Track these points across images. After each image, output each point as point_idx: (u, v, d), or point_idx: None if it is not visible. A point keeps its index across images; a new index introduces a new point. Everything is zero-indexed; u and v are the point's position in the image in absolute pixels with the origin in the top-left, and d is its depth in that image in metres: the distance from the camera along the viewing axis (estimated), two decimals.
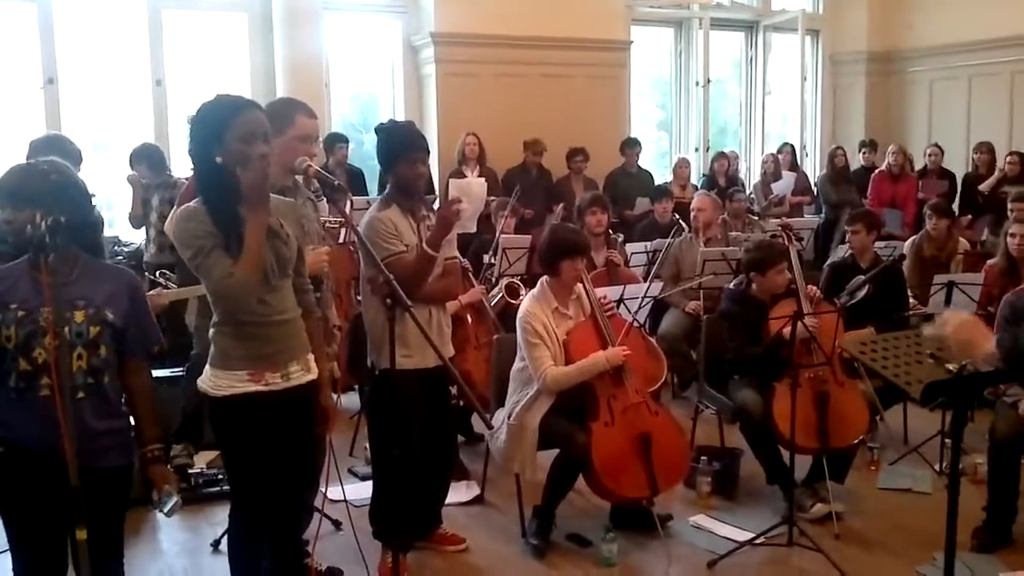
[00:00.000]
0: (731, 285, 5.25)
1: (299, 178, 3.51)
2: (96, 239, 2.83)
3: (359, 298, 4.44)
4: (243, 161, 2.76)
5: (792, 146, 10.41)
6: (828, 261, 6.70)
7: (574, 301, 4.28)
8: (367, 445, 4.57)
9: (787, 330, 4.23)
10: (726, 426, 5.12)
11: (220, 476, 4.69)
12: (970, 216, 8.72)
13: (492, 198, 6.91)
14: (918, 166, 9.70)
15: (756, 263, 4.68)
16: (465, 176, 8.09)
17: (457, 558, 4.13)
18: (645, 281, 5.49)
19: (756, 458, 4.58)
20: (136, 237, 7.24)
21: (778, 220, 6.92)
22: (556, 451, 4.11)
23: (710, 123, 10.92)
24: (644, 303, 4.99)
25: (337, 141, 8.13)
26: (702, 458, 4.77)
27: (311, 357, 3.03)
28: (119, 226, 7.36)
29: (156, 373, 5.25)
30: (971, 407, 5.28)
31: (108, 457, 2.73)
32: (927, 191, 8.88)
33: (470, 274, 5.44)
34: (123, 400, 2.82)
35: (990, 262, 5.64)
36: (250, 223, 2.76)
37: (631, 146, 9.14)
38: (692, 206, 6.75)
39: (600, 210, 5.97)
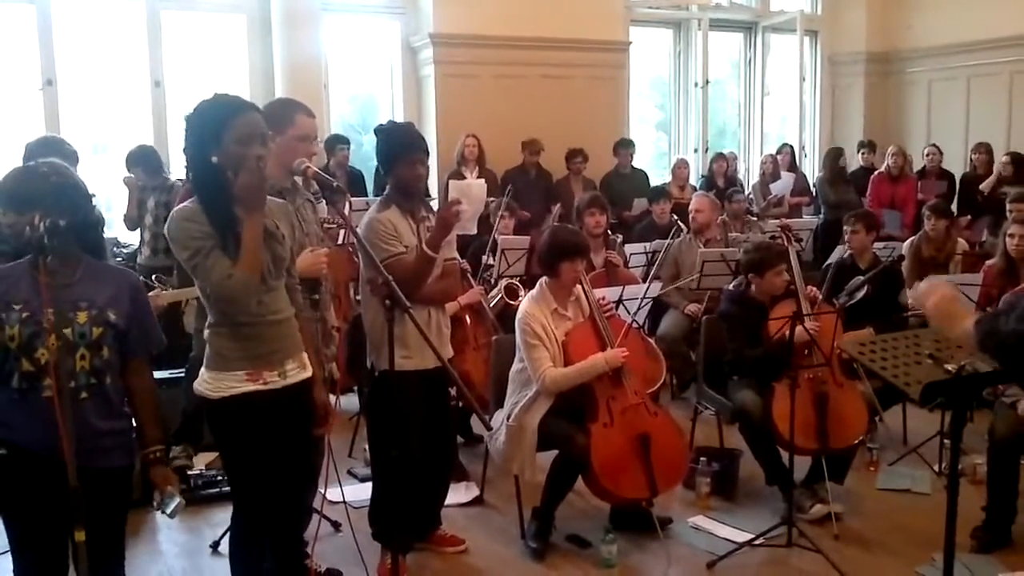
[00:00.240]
0: (731, 286, 5.25)
1: (298, 179, 3.51)
2: (98, 239, 2.83)
3: (358, 299, 4.44)
4: (238, 163, 2.76)
5: (791, 147, 10.41)
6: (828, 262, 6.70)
7: (573, 302, 4.27)
8: (366, 446, 4.58)
9: (787, 331, 4.23)
10: (725, 427, 5.13)
11: (219, 478, 4.69)
12: (969, 217, 8.72)
13: (491, 199, 6.91)
14: (917, 167, 9.70)
15: (754, 264, 4.68)
16: (464, 177, 8.09)
17: (456, 559, 4.13)
18: (644, 282, 5.49)
19: (755, 459, 4.59)
20: (134, 239, 7.24)
21: (777, 221, 6.92)
22: (555, 452, 4.11)
23: (709, 124, 10.92)
24: (643, 304, 4.99)
25: (338, 143, 8.13)
26: (701, 459, 4.77)
27: (306, 355, 3.03)
28: (117, 228, 7.36)
29: (155, 375, 5.26)
30: (970, 408, 5.27)
31: (109, 458, 2.73)
32: (926, 192, 8.88)
33: (469, 275, 5.44)
34: (124, 401, 2.82)
35: (989, 263, 5.63)
36: (248, 224, 2.76)
37: (625, 147, 9.12)
38: (690, 207, 6.75)
39: (599, 211, 5.98)
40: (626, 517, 4.31)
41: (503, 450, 4.16)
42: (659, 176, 10.05)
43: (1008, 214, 6.34)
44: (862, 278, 5.37)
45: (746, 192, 9.35)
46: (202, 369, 2.94)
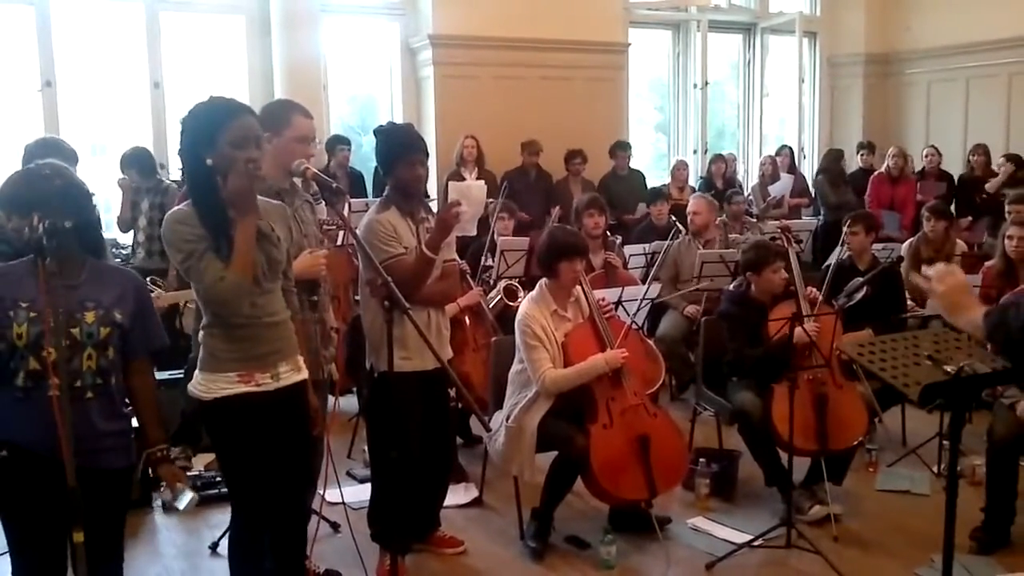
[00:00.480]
0: (731, 287, 5.25)
1: (297, 180, 3.51)
2: (98, 239, 2.84)
3: (358, 300, 4.44)
4: (232, 166, 2.76)
5: (790, 148, 10.42)
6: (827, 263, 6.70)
7: (572, 303, 4.28)
8: (365, 447, 4.58)
9: (786, 332, 4.24)
10: (724, 428, 5.13)
11: (218, 479, 4.68)
12: (970, 218, 8.72)
13: (491, 200, 6.90)
14: (916, 168, 9.71)
15: (751, 263, 4.68)
16: (464, 178, 8.09)
17: (455, 560, 4.13)
18: (643, 283, 5.49)
19: (754, 460, 4.59)
20: (129, 241, 7.22)
21: (776, 222, 6.92)
22: (554, 453, 4.11)
23: (708, 125, 10.93)
24: (642, 305, 4.99)
25: (338, 143, 8.13)
26: (700, 460, 4.77)
27: (300, 358, 3.03)
28: (115, 229, 7.36)
29: (156, 375, 5.26)
30: (969, 409, 5.34)
31: (109, 458, 2.74)
32: (925, 193, 8.88)
33: (468, 276, 5.44)
34: (125, 402, 2.83)
35: (988, 264, 5.63)
36: (240, 227, 2.77)
37: (622, 149, 9.12)
38: (688, 209, 6.75)
39: (597, 212, 5.98)
40: (625, 518, 4.31)
41: (502, 451, 4.16)
42: (658, 177, 10.06)
43: (1007, 215, 6.34)
44: (861, 279, 5.37)
45: (745, 193, 9.35)
46: (196, 370, 2.94)
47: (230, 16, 8.54)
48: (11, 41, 7.78)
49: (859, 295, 5.19)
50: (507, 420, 4.15)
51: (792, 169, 10.11)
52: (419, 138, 3.92)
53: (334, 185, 3.10)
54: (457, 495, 4.68)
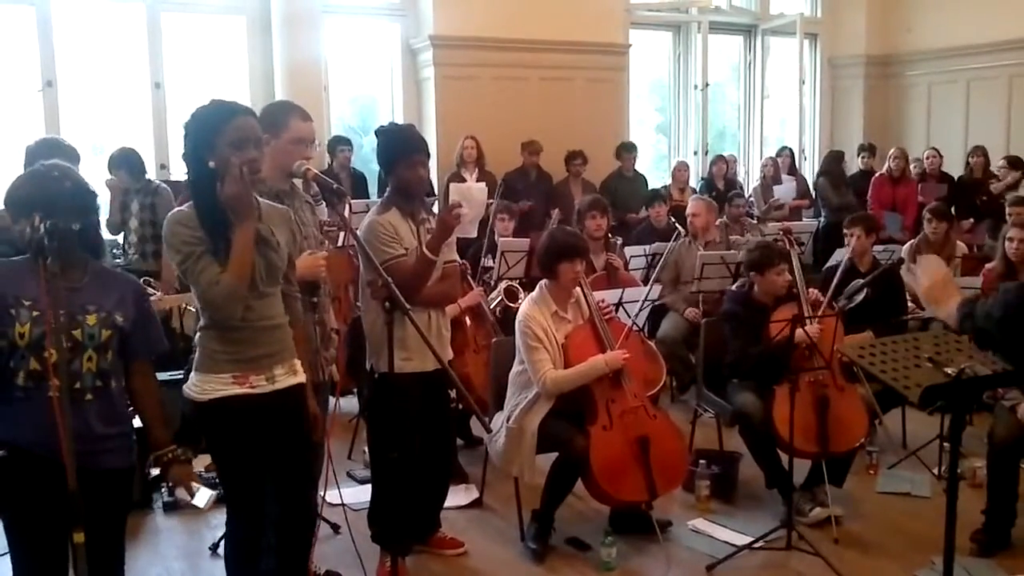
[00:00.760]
0: (733, 287, 5.25)
1: (297, 181, 3.51)
2: (97, 239, 2.84)
3: (359, 303, 4.44)
4: (225, 170, 2.76)
5: (791, 150, 10.42)
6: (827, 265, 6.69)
7: (573, 305, 4.27)
8: (365, 448, 4.58)
9: (787, 332, 4.24)
10: (725, 430, 5.13)
11: (219, 480, 4.68)
12: (971, 220, 8.72)
13: (491, 201, 6.91)
14: (916, 170, 9.71)
15: (755, 263, 4.69)
16: (464, 179, 8.10)
17: (456, 562, 4.13)
18: (644, 284, 5.49)
19: (755, 462, 4.58)
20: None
21: (778, 224, 6.92)
22: (555, 455, 4.11)
23: (709, 126, 10.94)
24: (643, 307, 4.99)
25: (340, 144, 8.13)
26: (701, 462, 4.76)
27: (298, 362, 3.03)
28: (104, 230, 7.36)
29: (158, 376, 5.26)
30: (969, 411, 5.35)
31: (109, 459, 2.74)
32: (926, 195, 8.88)
33: (468, 276, 5.44)
34: (127, 404, 2.83)
35: (988, 266, 5.63)
36: (238, 231, 2.77)
37: (628, 150, 9.13)
38: (687, 211, 6.75)
39: (599, 214, 5.97)
40: (626, 520, 4.31)
41: (503, 452, 4.16)
42: (659, 179, 10.06)
43: (1008, 217, 6.35)
44: (861, 281, 5.37)
45: (747, 195, 9.35)
46: (192, 371, 2.95)
47: (231, 17, 8.54)
48: (12, 41, 7.78)
49: (859, 297, 5.19)
50: (507, 421, 4.15)
51: (793, 170, 10.12)
52: (420, 139, 3.92)
53: (335, 186, 3.10)
54: (457, 496, 4.67)
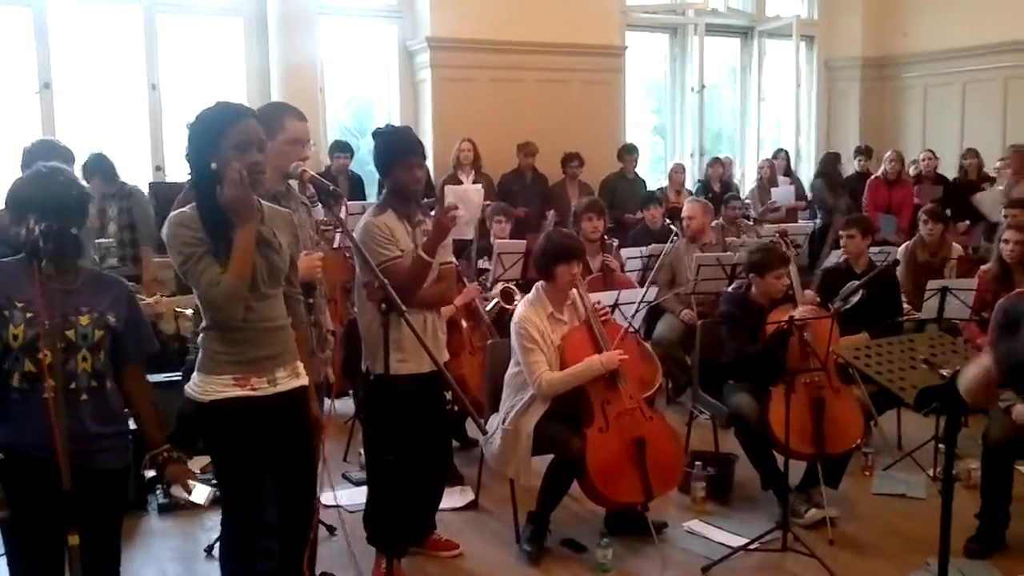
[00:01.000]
0: (730, 288, 5.26)
1: (293, 183, 3.51)
2: (83, 242, 2.85)
3: (355, 306, 4.43)
4: (225, 174, 2.76)
5: (787, 152, 10.44)
6: (821, 266, 6.72)
7: (569, 306, 4.28)
8: (361, 450, 4.58)
9: (783, 326, 4.24)
10: (720, 431, 5.14)
11: (215, 482, 4.67)
12: (967, 222, 8.73)
13: (488, 203, 6.91)
14: (912, 172, 9.73)
15: (756, 265, 4.69)
16: (461, 181, 8.10)
17: (451, 564, 4.13)
18: (640, 286, 5.49)
19: (751, 463, 4.59)
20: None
21: (774, 226, 6.93)
22: (551, 456, 4.11)
23: (705, 128, 10.95)
24: (639, 309, 4.99)
25: (338, 151, 8.13)
26: (696, 463, 4.77)
27: (300, 364, 3.03)
28: None
29: (152, 378, 5.26)
30: (964, 412, 5.34)
31: (104, 459, 2.74)
32: (922, 196, 8.90)
33: (464, 278, 5.43)
34: (122, 405, 2.84)
35: (984, 267, 5.64)
36: (239, 233, 2.78)
37: (629, 152, 9.14)
38: (683, 214, 6.75)
39: (596, 216, 5.97)
40: (621, 521, 4.31)
41: (498, 454, 4.16)
42: (656, 181, 10.07)
43: (1003, 219, 6.36)
44: (857, 283, 5.37)
45: (743, 197, 9.37)
46: (195, 372, 2.95)
47: (227, 18, 8.54)
48: (9, 43, 7.77)
49: (855, 298, 5.19)
50: (503, 423, 4.15)
51: (789, 172, 10.14)
52: (417, 141, 3.93)
53: (331, 187, 3.10)
54: (453, 498, 4.67)
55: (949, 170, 9.74)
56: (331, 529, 4.25)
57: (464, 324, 5.23)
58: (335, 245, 5.73)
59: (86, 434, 2.64)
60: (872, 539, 4.33)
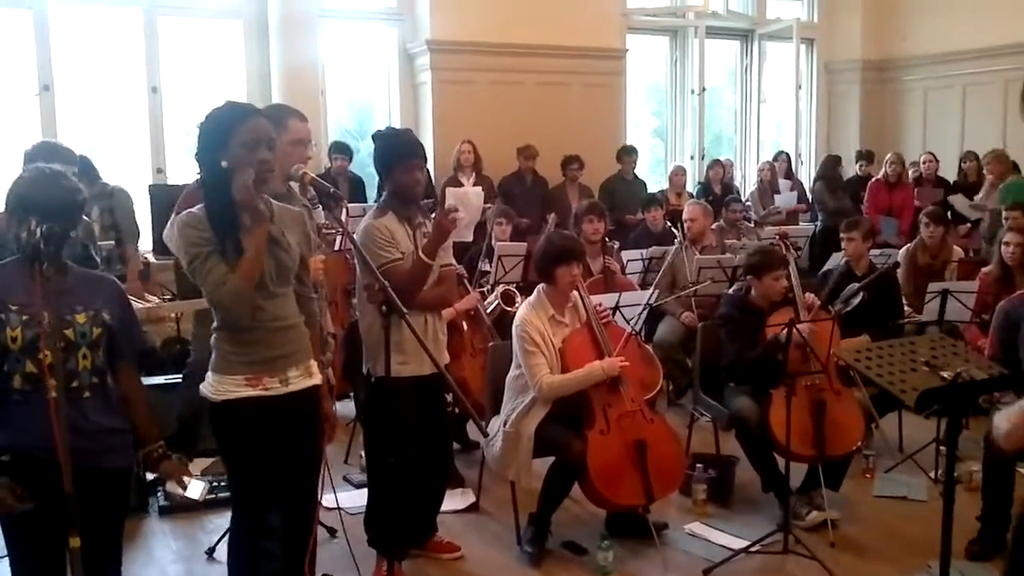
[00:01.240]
0: (731, 290, 5.26)
1: (294, 185, 3.51)
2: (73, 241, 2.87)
3: (356, 307, 4.43)
4: (239, 167, 2.78)
5: (787, 154, 10.44)
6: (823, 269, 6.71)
7: (570, 309, 4.28)
8: (362, 452, 4.57)
9: (783, 335, 4.24)
10: (722, 434, 5.13)
11: (215, 484, 4.68)
12: (968, 224, 8.73)
13: (488, 205, 6.91)
14: (912, 174, 9.73)
15: (754, 267, 4.69)
16: (461, 184, 8.10)
17: (452, 566, 4.13)
18: (641, 288, 5.49)
19: (752, 466, 4.59)
20: None
21: (775, 228, 6.93)
22: (551, 459, 4.10)
23: (705, 131, 10.95)
24: (641, 311, 4.99)
25: (336, 152, 8.13)
26: (698, 466, 4.76)
27: (313, 363, 3.04)
28: None
29: (152, 380, 5.27)
30: (966, 414, 5.35)
31: (111, 458, 2.75)
32: (922, 199, 8.90)
33: (466, 281, 5.44)
34: (120, 401, 2.84)
35: (984, 270, 5.65)
36: (251, 234, 2.79)
37: (628, 154, 9.15)
38: (684, 216, 6.75)
39: (597, 218, 5.97)
40: (622, 524, 4.31)
41: (499, 456, 4.15)
42: (656, 183, 10.07)
43: (1004, 222, 6.36)
44: (857, 285, 5.38)
45: (744, 199, 9.36)
46: (208, 371, 2.97)
47: (228, 21, 8.54)
48: (9, 45, 7.76)
49: (856, 301, 5.19)
50: (504, 425, 4.15)
51: (789, 175, 10.14)
52: (418, 143, 3.93)
53: (332, 190, 3.11)
54: (454, 500, 4.67)
55: (949, 173, 9.74)
56: (332, 531, 4.25)
57: (465, 326, 5.23)
58: (336, 247, 5.73)
59: (95, 429, 2.66)
60: (873, 541, 4.33)
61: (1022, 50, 9.48)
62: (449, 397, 4.14)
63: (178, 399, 5.15)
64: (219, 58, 8.66)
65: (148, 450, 2.88)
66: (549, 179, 8.83)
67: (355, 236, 3.62)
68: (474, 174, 8.30)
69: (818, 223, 9.50)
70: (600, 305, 4.37)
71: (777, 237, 5.21)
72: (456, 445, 5.20)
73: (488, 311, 5.45)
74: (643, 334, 5.67)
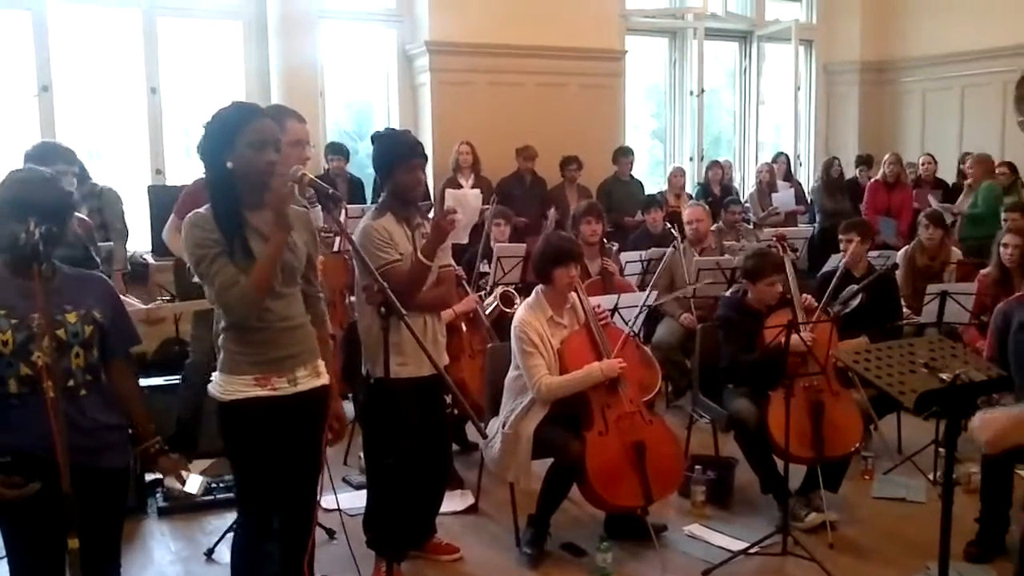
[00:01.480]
0: (728, 292, 5.26)
1: (293, 185, 3.50)
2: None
3: (354, 308, 4.43)
4: (250, 167, 2.81)
5: (787, 156, 10.44)
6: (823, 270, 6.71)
7: (568, 310, 4.28)
8: (361, 454, 4.57)
9: (782, 339, 4.24)
10: (720, 435, 5.13)
11: (214, 485, 4.68)
12: None
13: (486, 206, 6.91)
14: (912, 175, 9.73)
15: (750, 271, 4.70)
16: (460, 185, 8.10)
17: (451, 567, 4.12)
18: (639, 290, 5.48)
19: (751, 467, 4.59)
20: None
21: (773, 230, 6.93)
22: (550, 460, 4.10)
23: (704, 132, 10.96)
24: (640, 312, 4.99)
25: (332, 153, 8.12)
26: (696, 467, 4.77)
27: (321, 363, 3.04)
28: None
29: (151, 381, 5.27)
30: (964, 416, 5.32)
31: (110, 457, 2.75)
32: (921, 200, 8.91)
33: (464, 282, 5.44)
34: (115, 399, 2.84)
35: (983, 272, 5.65)
36: (270, 241, 2.81)
37: (624, 155, 9.15)
38: (688, 217, 6.74)
39: (595, 219, 5.97)
40: (621, 525, 4.31)
41: (498, 458, 4.15)
42: (655, 184, 10.08)
43: (1002, 223, 6.37)
44: (856, 286, 5.38)
45: (743, 201, 9.36)
46: (216, 371, 2.98)
47: (227, 21, 8.54)
48: (8, 46, 7.76)
49: (854, 302, 5.20)
50: (503, 427, 4.15)
51: (788, 176, 10.14)
52: (418, 143, 3.92)
53: (330, 191, 3.11)
54: (453, 502, 4.67)
55: (948, 174, 9.74)
56: (331, 533, 4.25)
57: (464, 328, 5.22)
58: (334, 249, 5.73)
59: (92, 426, 2.66)
60: (872, 543, 4.33)
61: (1021, 52, 9.49)
62: (448, 398, 4.14)
63: (177, 401, 5.15)
64: (218, 59, 8.66)
65: (145, 446, 2.88)
66: (548, 180, 8.83)
67: (354, 237, 3.63)
68: (473, 175, 8.30)
69: (816, 225, 9.50)
70: (599, 306, 4.37)
71: (775, 239, 5.21)
72: (455, 446, 5.20)
73: (487, 312, 5.45)
74: (642, 335, 5.67)
